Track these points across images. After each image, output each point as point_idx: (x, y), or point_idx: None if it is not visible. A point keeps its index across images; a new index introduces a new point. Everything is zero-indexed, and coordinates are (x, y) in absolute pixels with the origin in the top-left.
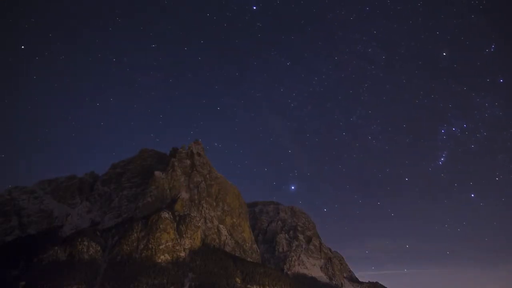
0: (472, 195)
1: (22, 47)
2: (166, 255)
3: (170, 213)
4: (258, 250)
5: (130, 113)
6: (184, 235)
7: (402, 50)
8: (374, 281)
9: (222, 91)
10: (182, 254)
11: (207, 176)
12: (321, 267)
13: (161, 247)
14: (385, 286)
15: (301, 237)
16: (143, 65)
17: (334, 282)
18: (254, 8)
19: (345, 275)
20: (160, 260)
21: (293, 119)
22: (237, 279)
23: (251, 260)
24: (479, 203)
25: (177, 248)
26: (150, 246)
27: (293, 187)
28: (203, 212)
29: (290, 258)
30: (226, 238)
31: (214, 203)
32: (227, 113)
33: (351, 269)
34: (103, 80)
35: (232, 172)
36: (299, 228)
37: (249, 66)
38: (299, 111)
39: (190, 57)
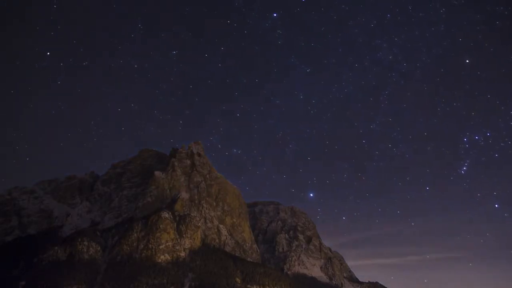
0: (496, 206)
1: (48, 53)
2: (166, 255)
3: (170, 213)
4: (258, 250)
5: (152, 118)
6: (184, 235)
7: (424, 57)
8: (374, 281)
9: (241, 97)
10: (182, 254)
11: (207, 176)
12: (321, 267)
13: (161, 247)
14: (385, 286)
15: (301, 237)
16: (164, 71)
17: (334, 282)
18: (275, 15)
19: (345, 275)
20: (160, 260)
21: (313, 126)
22: (237, 279)
23: (251, 260)
24: (503, 214)
25: (177, 248)
26: (150, 246)
27: (311, 195)
28: (203, 212)
29: (290, 258)
30: (226, 238)
31: (214, 203)
32: (247, 120)
33: (351, 270)
34: (126, 86)
35: (250, 178)
36: (299, 228)
37: (269, 73)
38: (319, 118)
39: (210, 63)
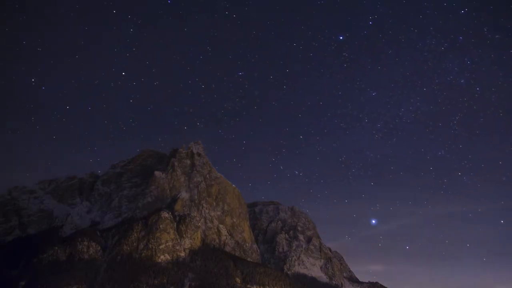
0: None
1: (123, 73)
2: (166, 255)
3: (170, 213)
4: (258, 250)
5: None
6: (184, 235)
7: (500, 81)
8: (375, 281)
9: (305, 120)
10: (182, 254)
11: (207, 176)
12: (321, 267)
13: (161, 247)
14: (385, 286)
15: (301, 237)
16: (230, 92)
17: (334, 282)
18: (341, 38)
19: (345, 275)
20: (160, 260)
21: (377, 151)
22: (237, 279)
23: (251, 260)
24: None
25: (177, 248)
26: (150, 246)
27: (374, 221)
28: (203, 212)
29: (290, 258)
30: (226, 238)
31: (214, 203)
32: (309, 142)
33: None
34: (191, 105)
35: (312, 201)
36: (299, 228)
37: (334, 96)
38: (384, 143)
39: (275, 86)
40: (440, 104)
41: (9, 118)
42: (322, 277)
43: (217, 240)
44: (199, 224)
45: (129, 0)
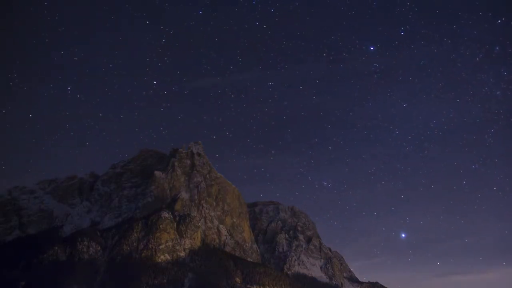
0: None
1: (155, 82)
2: (166, 255)
3: (170, 213)
4: (258, 250)
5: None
6: (184, 235)
7: None
8: (375, 281)
9: (334, 131)
10: (182, 254)
11: (207, 176)
12: (321, 267)
13: (161, 247)
14: (385, 286)
15: (301, 237)
16: (259, 102)
17: (334, 282)
18: (372, 48)
19: (345, 275)
20: (160, 260)
21: (407, 164)
22: (237, 279)
23: (251, 260)
24: None
25: (177, 248)
26: (150, 246)
27: (403, 235)
28: (203, 212)
29: (290, 258)
30: (226, 238)
31: (214, 203)
32: (338, 153)
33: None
34: (220, 115)
35: (340, 213)
36: (299, 228)
37: (364, 107)
38: (414, 155)
39: (304, 96)
40: (474, 116)
41: (46, 124)
42: (322, 277)
43: (217, 240)
44: (199, 224)
45: (162, 11)
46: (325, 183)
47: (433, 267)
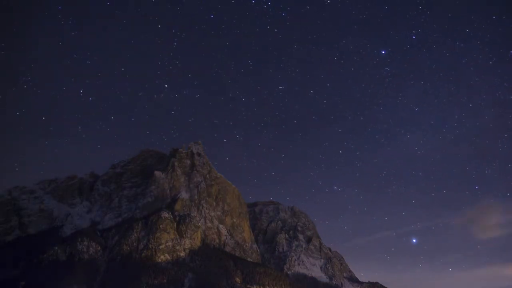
0: None
1: (166, 85)
2: (166, 255)
3: (170, 213)
4: (258, 250)
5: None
6: (184, 235)
7: None
8: (375, 281)
9: (345, 135)
10: (182, 254)
11: (207, 176)
12: (321, 267)
13: (161, 247)
14: (385, 286)
15: (301, 237)
16: (270, 105)
17: (334, 282)
18: (383, 52)
19: (345, 275)
20: (160, 260)
21: (419, 168)
22: (237, 279)
23: (251, 260)
24: None
25: (177, 248)
26: (150, 246)
27: (414, 240)
28: (203, 212)
29: (290, 258)
30: (226, 238)
31: (214, 203)
32: (349, 157)
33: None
34: (231, 118)
35: (350, 217)
36: (299, 228)
37: (374, 111)
38: (426, 160)
39: (315, 100)
40: (487, 120)
41: (57, 126)
42: (322, 277)
43: (217, 240)
44: (199, 224)
45: (173, 14)
46: (335, 187)
47: (445, 273)
